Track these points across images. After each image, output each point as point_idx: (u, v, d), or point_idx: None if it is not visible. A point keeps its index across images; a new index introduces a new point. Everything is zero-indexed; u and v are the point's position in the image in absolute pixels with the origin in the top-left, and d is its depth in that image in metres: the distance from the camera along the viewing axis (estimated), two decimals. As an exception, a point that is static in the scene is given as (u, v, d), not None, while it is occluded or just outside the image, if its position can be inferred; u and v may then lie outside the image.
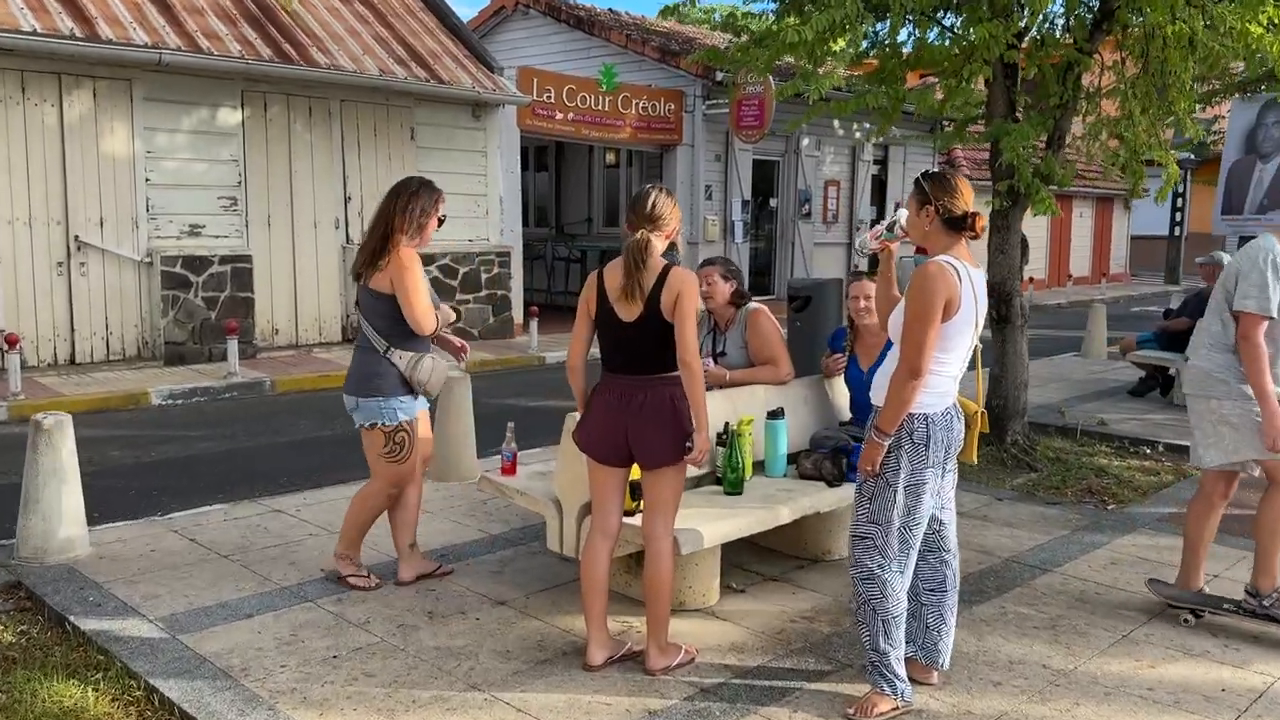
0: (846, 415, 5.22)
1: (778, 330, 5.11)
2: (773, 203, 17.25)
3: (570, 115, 14.18)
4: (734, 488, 4.41)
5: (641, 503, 3.90)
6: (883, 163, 19.04)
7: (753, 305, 5.14)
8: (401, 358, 4.31)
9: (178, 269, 10.49)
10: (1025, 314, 7.28)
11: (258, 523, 5.41)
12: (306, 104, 11.48)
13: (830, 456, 4.64)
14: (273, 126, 11.27)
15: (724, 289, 5.09)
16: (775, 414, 4.72)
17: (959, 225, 3.45)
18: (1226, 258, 9.72)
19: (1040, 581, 4.77)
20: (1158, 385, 9.75)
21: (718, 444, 4.55)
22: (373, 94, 11.87)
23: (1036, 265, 23.80)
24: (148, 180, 10.43)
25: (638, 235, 3.58)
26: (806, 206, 17.28)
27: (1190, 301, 9.47)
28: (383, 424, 4.34)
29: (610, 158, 17.06)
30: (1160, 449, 7.67)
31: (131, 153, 10.30)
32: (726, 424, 4.55)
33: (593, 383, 3.75)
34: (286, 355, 11.16)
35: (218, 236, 10.89)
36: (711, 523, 4.00)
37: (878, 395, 3.57)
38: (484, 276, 13.03)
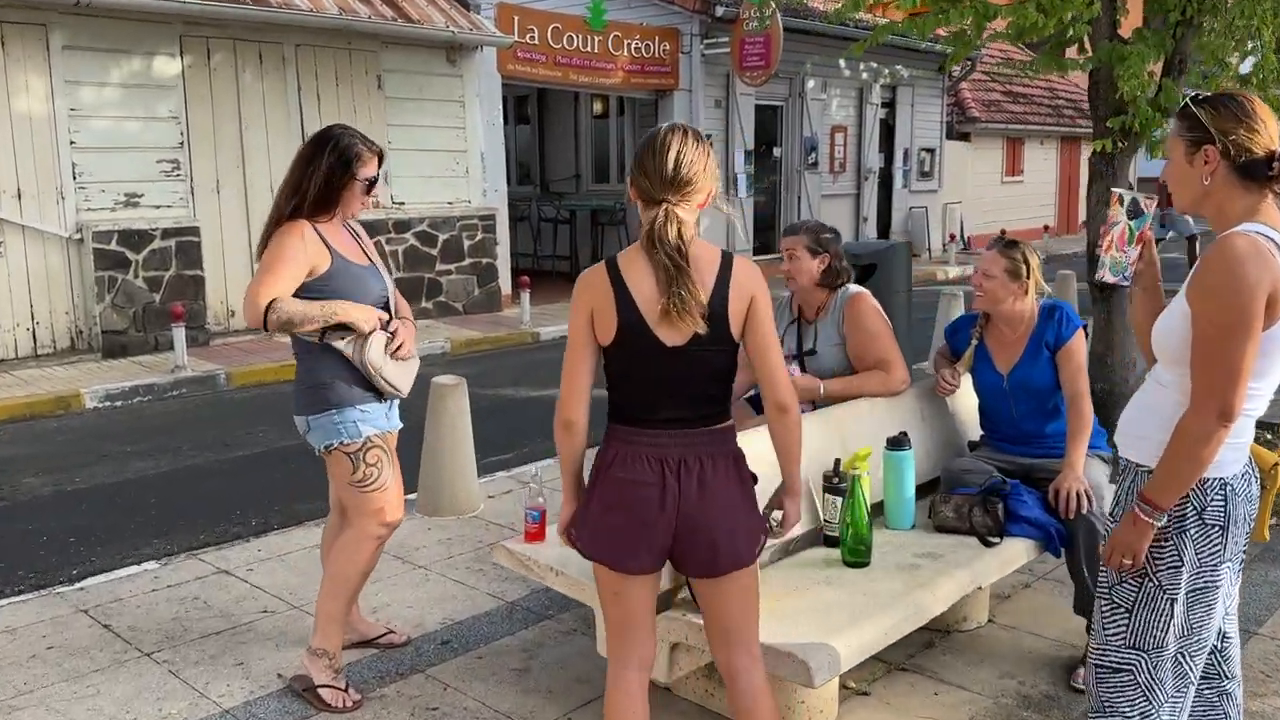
0: (975, 432, 3.95)
1: (887, 322, 3.82)
2: (776, 152, 15.86)
3: (557, 58, 12.69)
4: (858, 557, 3.13)
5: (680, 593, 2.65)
6: (890, 105, 17.65)
7: (853, 289, 3.85)
8: (343, 340, 3.15)
9: (113, 246, 9.04)
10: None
11: (196, 592, 4.10)
12: (256, 50, 9.96)
13: (980, 502, 3.37)
14: (218, 77, 9.76)
15: (811, 267, 3.80)
16: (897, 442, 3.44)
17: (1261, 173, 2.16)
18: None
19: (1251, 652, 3.54)
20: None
21: (826, 490, 3.28)
22: (333, 37, 10.35)
23: (1046, 211, 22.60)
24: (73, 143, 8.93)
25: (660, 212, 2.24)
26: (813, 155, 15.90)
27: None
28: (341, 442, 3.17)
29: (598, 107, 15.59)
30: (1281, 432, 6.46)
31: (51, 112, 8.79)
32: (837, 462, 3.27)
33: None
34: (244, 341, 9.76)
35: (159, 206, 9.42)
36: (847, 627, 2.72)
37: (1133, 445, 2.30)
38: (466, 243, 11.63)
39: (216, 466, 6.16)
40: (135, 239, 9.16)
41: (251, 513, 5.27)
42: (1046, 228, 20.46)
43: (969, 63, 18.60)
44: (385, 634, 3.62)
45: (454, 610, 3.90)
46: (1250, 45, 5.70)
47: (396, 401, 3.42)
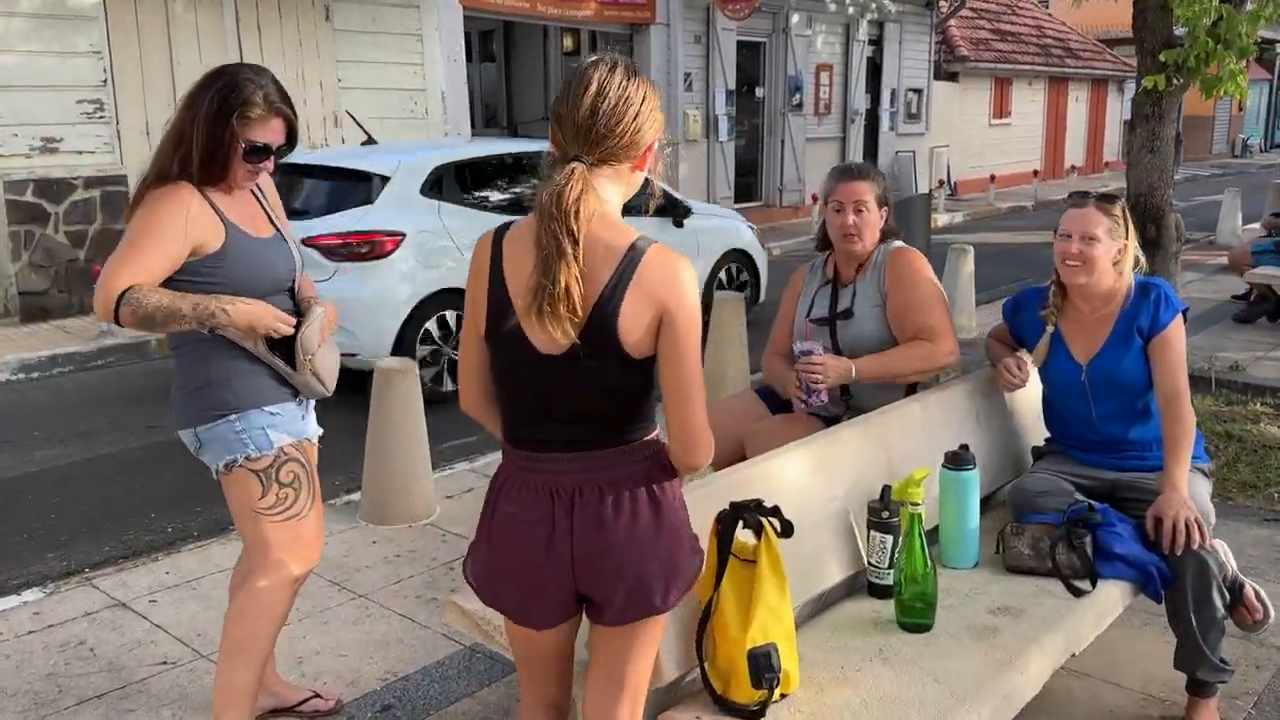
0: (1039, 433, 3.23)
1: (937, 284, 3.15)
2: (759, 92, 14.96)
3: (523, -12, 11.71)
4: (918, 618, 2.41)
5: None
6: (877, 43, 16.74)
7: (896, 243, 3.17)
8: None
9: (29, 197, 8.10)
10: (1182, 236, 5.31)
11: (83, 634, 3.34)
12: (188, -24, 8.96)
13: (1064, 535, 2.66)
14: (145, 7, 8.75)
15: (878, 220, 3.16)
16: (959, 458, 2.71)
17: None
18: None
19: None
20: (1268, 309, 7.91)
21: (872, 527, 2.55)
22: (274, -38, 9.36)
23: (1032, 155, 21.86)
24: (-21, 80, 7.96)
25: (566, 174, 1.70)
26: (797, 96, 15.01)
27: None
28: (247, 456, 2.45)
29: (569, 42, 14.59)
30: (1332, 404, 5.83)
31: (-48, 44, 7.81)
32: (885, 490, 2.54)
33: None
34: (183, 301, 8.88)
35: (81, 152, 8.46)
36: (922, 735, 2.00)
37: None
38: (428, 191, 10.72)
39: (136, 455, 5.35)
40: (54, 189, 8.22)
41: (169, 516, 4.50)
42: (1035, 172, 19.75)
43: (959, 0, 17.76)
44: (309, 698, 2.88)
45: (400, 659, 3.16)
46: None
47: (310, 406, 2.68)
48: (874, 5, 15.87)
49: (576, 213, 1.67)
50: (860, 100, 16.47)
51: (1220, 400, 5.94)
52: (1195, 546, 2.61)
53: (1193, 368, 6.50)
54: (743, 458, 3.22)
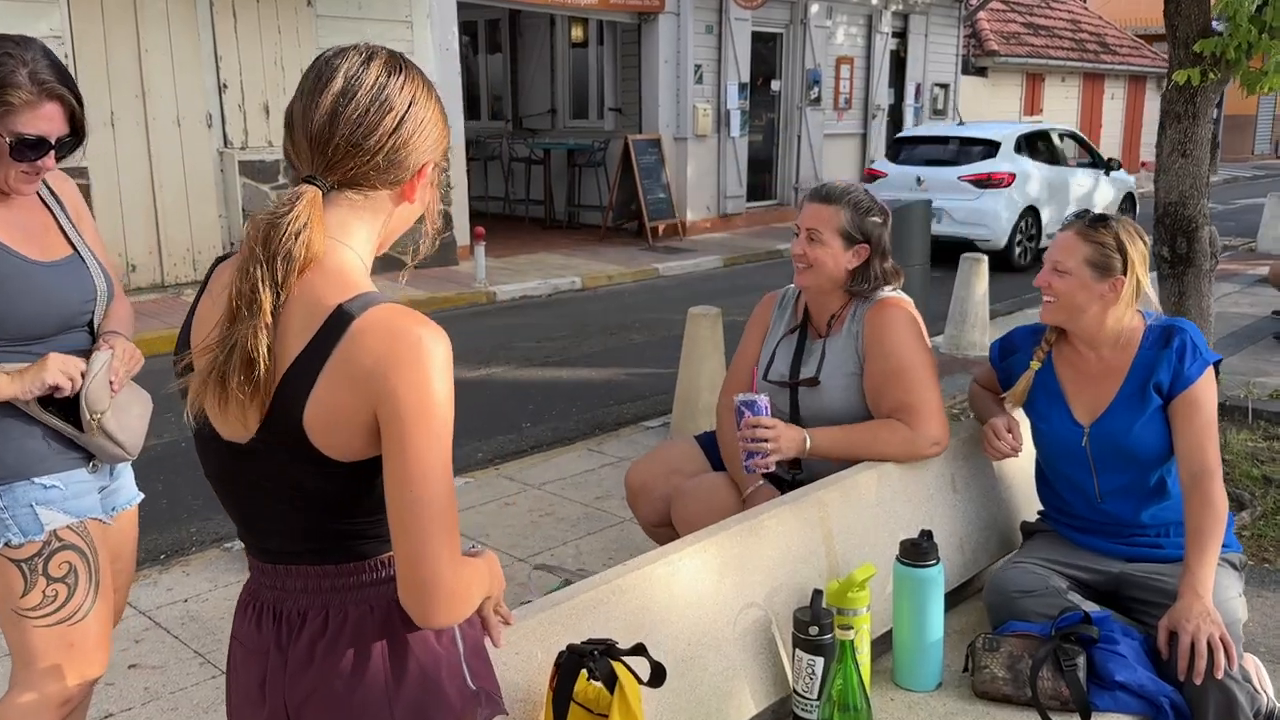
0: (1030, 505, 2.64)
1: (926, 347, 2.48)
2: (774, 85, 14.31)
3: (523, -25, 11.15)
4: (848, 776, 1.83)
5: None
6: (902, 35, 16.02)
7: (886, 292, 2.52)
8: (5, 373, 1.94)
9: (-17, 189, 7.66)
10: (1216, 252, 4.67)
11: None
12: (159, -42, 8.48)
13: (1050, 654, 2.06)
14: (113, -11, 8.30)
15: (839, 258, 2.50)
16: (918, 550, 2.12)
17: None
18: None
19: None
20: (1313, 327, 7.24)
21: (799, 645, 1.97)
22: (252, -56, 8.85)
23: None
24: (-68, 65, 7.50)
25: (289, 200, 1.20)
26: (816, 90, 14.35)
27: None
28: (7, 542, 1.93)
29: (577, 33, 14.02)
30: (1384, 442, 5.16)
31: (-98, 26, 7.37)
32: (817, 595, 1.97)
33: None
34: (148, 301, 8.42)
35: (41, 142, 8.02)
36: None
37: None
38: (417, 187, 10.21)
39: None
40: (11, 181, 7.77)
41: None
42: (1067, 172, 18.96)
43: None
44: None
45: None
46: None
47: (125, 467, 2.17)
48: (899, -4, 15.21)
49: (288, 255, 1.17)
50: (883, 95, 15.78)
51: (1258, 435, 5.29)
52: (1220, 675, 2.02)
53: (1227, 394, 5.89)
54: (670, 523, 2.68)
